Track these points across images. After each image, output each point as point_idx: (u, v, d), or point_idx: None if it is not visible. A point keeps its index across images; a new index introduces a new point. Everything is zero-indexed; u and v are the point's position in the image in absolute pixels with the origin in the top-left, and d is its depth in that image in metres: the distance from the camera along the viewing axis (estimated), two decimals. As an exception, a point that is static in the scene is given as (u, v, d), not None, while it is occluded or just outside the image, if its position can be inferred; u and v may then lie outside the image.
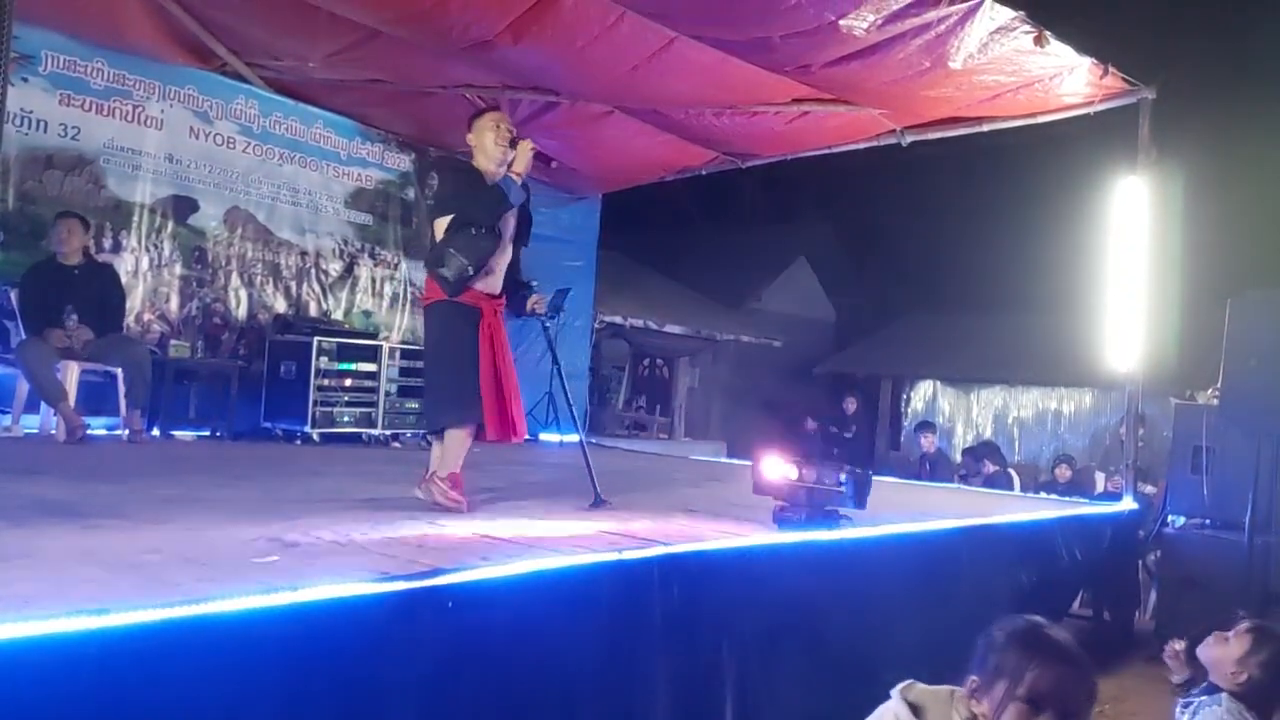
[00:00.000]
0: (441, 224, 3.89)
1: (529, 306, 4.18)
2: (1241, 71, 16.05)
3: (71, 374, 5.70)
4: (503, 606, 2.57)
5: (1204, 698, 2.73)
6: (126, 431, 5.85)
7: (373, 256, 8.37)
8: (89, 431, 5.65)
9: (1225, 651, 2.76)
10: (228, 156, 7.38)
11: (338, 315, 8.04)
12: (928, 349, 15.59)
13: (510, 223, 4.01)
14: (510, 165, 3.95)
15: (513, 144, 3.99)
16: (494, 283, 3.96)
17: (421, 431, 4.84)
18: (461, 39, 6.07)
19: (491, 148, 3.98)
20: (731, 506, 4.59)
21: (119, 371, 5.82)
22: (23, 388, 5.70)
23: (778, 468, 3.79)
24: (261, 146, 7.58)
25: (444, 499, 3.74)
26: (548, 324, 4.60)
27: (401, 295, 8.47)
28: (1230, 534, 5.71)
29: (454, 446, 3.85)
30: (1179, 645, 2.94)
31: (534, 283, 4.24)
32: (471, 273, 3.80)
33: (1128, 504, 6.22)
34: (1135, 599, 6.51)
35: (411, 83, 7.44)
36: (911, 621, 3.85)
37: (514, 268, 4.14)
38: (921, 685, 1.94)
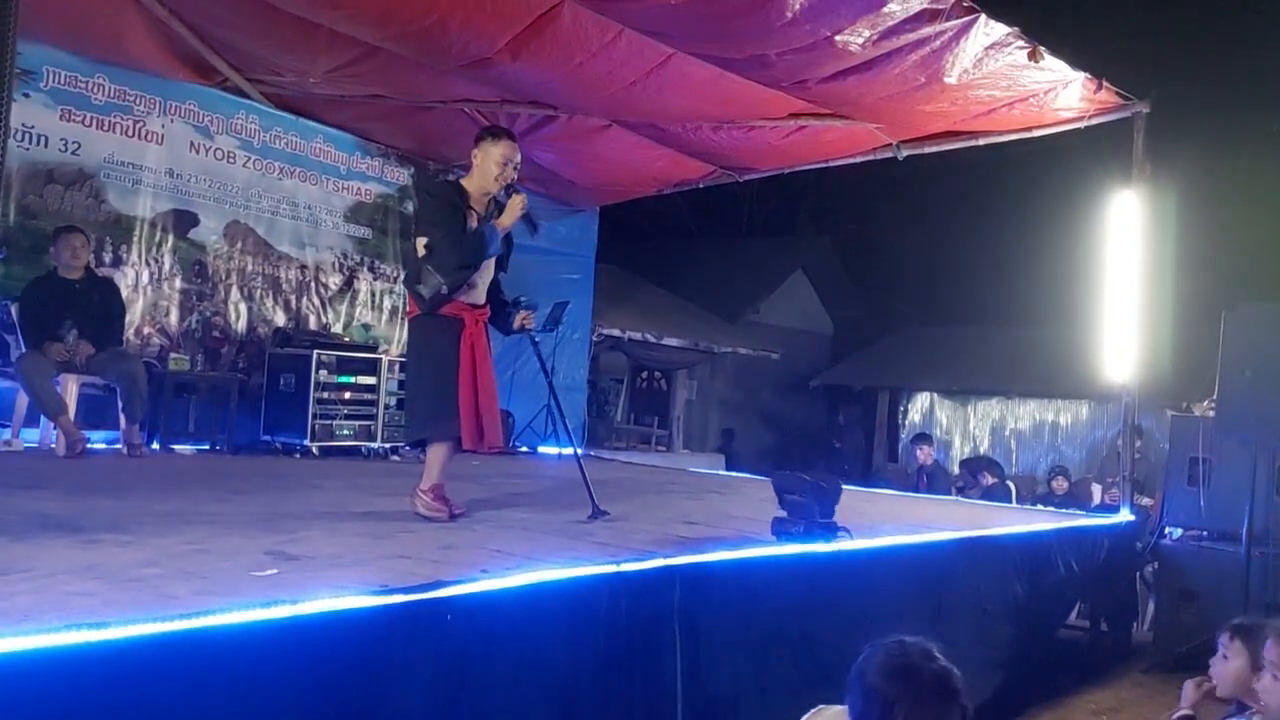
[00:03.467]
0: (422, 240, 3.93)
1: (518, 323, 4.20)
2: (1235, 86, 16.15)
3: (71, 387, 5.71)
4: (502, 619, 2.58)
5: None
6: (125, 446, 5.86)
7: (372, 270, 8.40)
8: (88, 445, 5.65)
9: (1232, 666, 2.68)
10: (228, 171, 7.41)
11: (337, 328, 8.06)
12: (925, 361, 15.62)
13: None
14: (488, 209, 3.95)
15: (509, 191, 3.97)
16: (477, 294, 4.00)
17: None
18: (461, 56, 6.11)
19: (491, 181, 3.97)
20: (730, 518, 4.60)
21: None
22: (22, 401, 5.71)
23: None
24: (262, 161, 7.61)
25: (426, 510, 3.85)
26: (537, 339, 4.60)
27: (401, 309, 8.48)
28: (1227, 545, 5.72)
29: (433, 460, 3.93)
30: (1206, 684, 2.78)
31: (522, 298, 4.24)
32: (446, 292, 3.83)
33: (1125, 516, 6.23)
34: (1133, 611, 6.52)
35: (411, 98, 7.48)
36: (909, 633, 3.85)
37: (495, 290, 4.15)
38: (830, 709, 1.96)
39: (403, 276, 4.18)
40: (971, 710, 1.83)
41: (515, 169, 4.00)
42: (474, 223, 3.92)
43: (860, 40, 5.31)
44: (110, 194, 6.78)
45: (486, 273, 4.03)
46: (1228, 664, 2.70)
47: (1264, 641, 2.62)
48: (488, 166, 3.97)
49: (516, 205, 3.97)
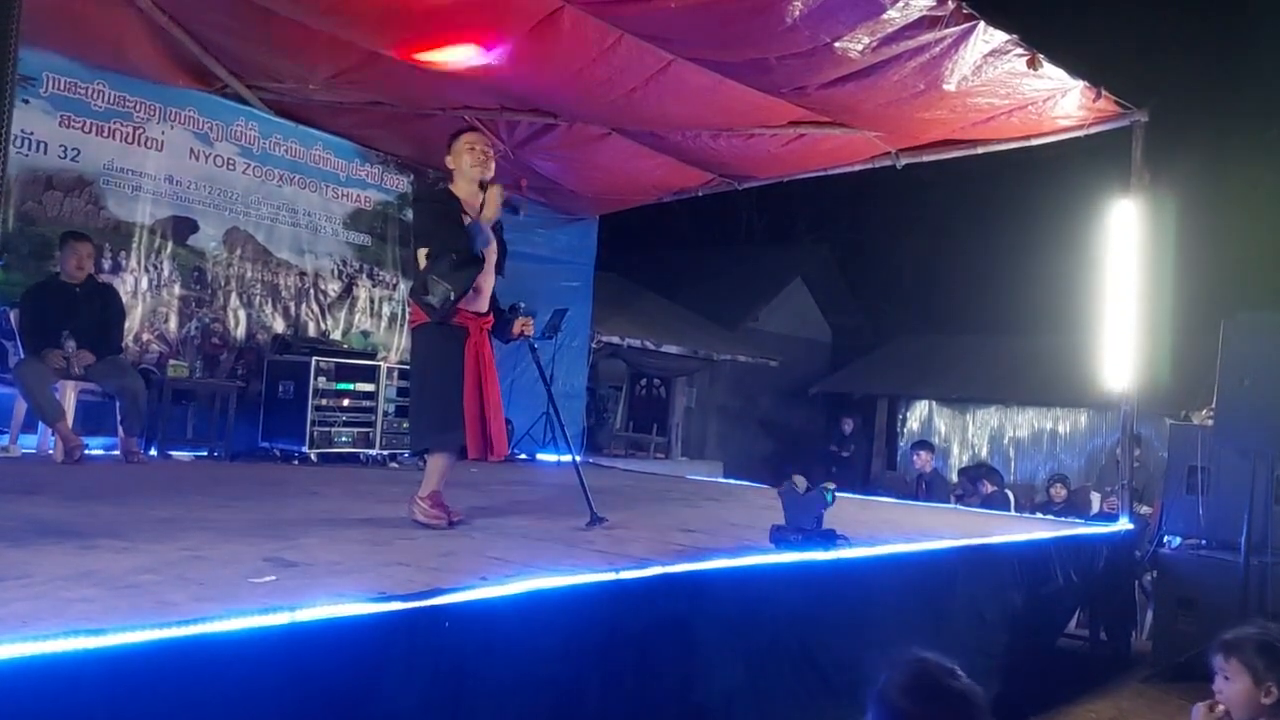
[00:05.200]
0: (424, 253, 3.95)
1: (517, 330, 4.21)
2: (1233, 95, 16.18)
3: (69, 394, 5.71)
4: (500, 626, 2.58)
5: None
6: (123, 454, 5.84)
7: (371, 277, 8.41)
8: (87, 451, 5.65)
9: (1237, 689, 2.57)
10: (227, 178, 7.42)
11: (336, 335, 8.06)
12: (923, 369, 15.62)
13: (490, 254, 4.05)
14: (480, 209, 3.97)
15: (483, 186, 4.00)
16: (481, 302, 4.01)
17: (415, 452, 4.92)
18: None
19: (468, 169, 4.03)
20: (729, 526, 4.60)
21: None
22: (20, 407, 5.71)
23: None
24: (261, 168, 7.63)
25: (424, 517, 3.85)
26: (535, 345, 4.60)
27: (400, 315, 8.49)
28: (1226, 554, 5.71)
29: (433, 468, 3.94)
30: (1219, 708, 2.68)
31: (521, 304, 4.26)
32: (454, 299, 3.84)
33: (1124, 524, 6.23)
34: (1132, 620, 6.51)
35: (411, 105, 7.49)
36: (907, 642, 3.83)
37: (492, 296, 4.17)
38: None
39: (408, 289, 4.18)
40: None
41: (484, 151, 4.06)
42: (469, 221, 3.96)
43: (860, 46, 5.32)
44: (109, 200, 6.79)
45: (489, 279, 4.04)
46: (1232, 685, 2.57)
47: (1257, 656, 2.54)
48: (461, 161, 4.04)
49: (494, 196, 4.00)
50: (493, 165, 4.10)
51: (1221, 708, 2.61)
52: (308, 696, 2.14)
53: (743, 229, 22.87)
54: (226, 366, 7.39)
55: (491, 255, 4.05)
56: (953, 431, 15.14)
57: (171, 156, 7.10)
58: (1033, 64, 5.52)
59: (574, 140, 7.70)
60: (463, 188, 4.03)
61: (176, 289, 7.15)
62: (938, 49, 5.38)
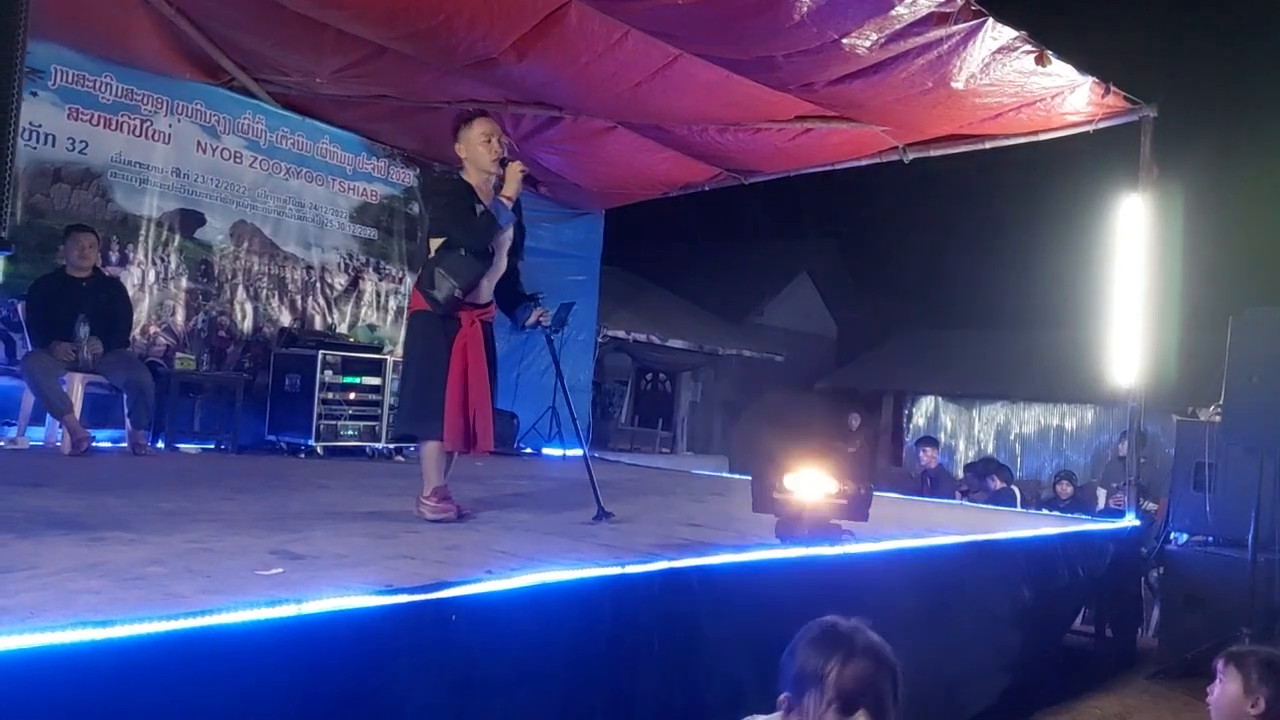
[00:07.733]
0: (436, 242, 3.93)
1: (533, 319, 4.19)
2: (1242, 90, 16.12)
3: (77, 387, 5.73)
4: (506, 619, 2.58)
5: None
6: (131, 445, 5.86)
7: (377, 271, 8.41)
8: (94, 444, 5.67)
9: (1227, 692, 2.59)
10: (234, 171, 7.43)
11: (342, 329, 8.07)
12: (929, 364, 15.61)
13: (505, 241, 4.03)
14: (500, 189, 3.96)
15: (502, 163, 3.99)
16: (479, 294, 3.97)
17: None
18: (467, 56, 6.12)
19: (486, 161, 3.98)
20: (734, 521, 4.60)
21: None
22: (28, 400, 5.73)
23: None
24: (268, 161, 7.63)
25: (433, 514, 3.84)
26: (552, 337, 4.59)
27: (406, 309, 8.48)
28: (1233, 551, 5.70)
29: (428, 462, 3.92)
30: None
31: (540, 295, 4.24)
32: (460, 295, 3.83)
33: (1130, 521, 6.21)
34: (1138, 616, 6.50)
35: (417, 98, 7.48)
36: (912, 638, 3.84)
37: (513, 280, 4.15)
38: (757, 716, 1.94)
39: (416, 279, 4.17)
40: (902, 676, 1.81)
41: (500, 141, 4.02)
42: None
43: (868, 43, 5.30)
44: (117, 193, 6.79)
45: (495, 272, 4.02)
46: (1223, 690, 2.61)
47: (1255, 667, 2.57)
48: (475, 150, 3.98)
49: (515, 171, 3.96)
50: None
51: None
52: (314, 689, 2.15)
53: (748, 223, 22.86)
54: (233, 359, 7.40)
55: (503, 248, 4.03)
56: (959, 427, 15.13)
57: (179, 149, 7.11)
58: (1041, 60, 5.50)
59: (579, 134, 7.69)
60: (475, 176, 4.01)
61: (183, 282, 7.16)
62: (946, 46, 5.35)
